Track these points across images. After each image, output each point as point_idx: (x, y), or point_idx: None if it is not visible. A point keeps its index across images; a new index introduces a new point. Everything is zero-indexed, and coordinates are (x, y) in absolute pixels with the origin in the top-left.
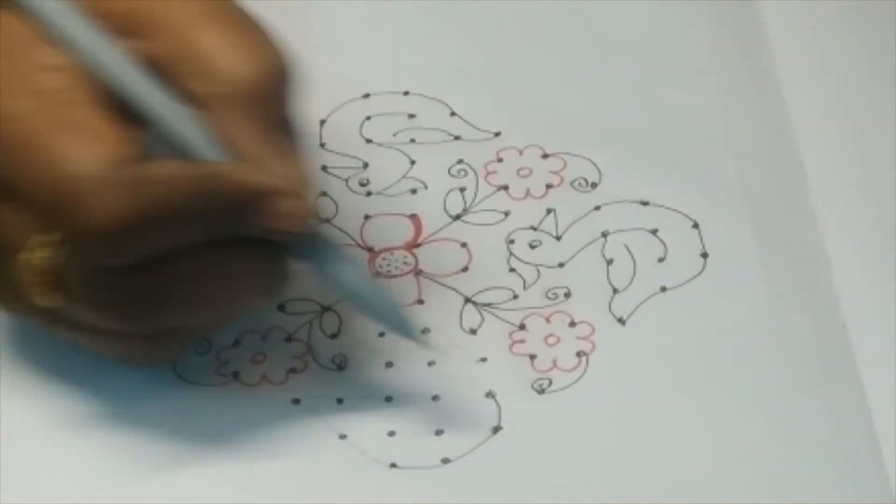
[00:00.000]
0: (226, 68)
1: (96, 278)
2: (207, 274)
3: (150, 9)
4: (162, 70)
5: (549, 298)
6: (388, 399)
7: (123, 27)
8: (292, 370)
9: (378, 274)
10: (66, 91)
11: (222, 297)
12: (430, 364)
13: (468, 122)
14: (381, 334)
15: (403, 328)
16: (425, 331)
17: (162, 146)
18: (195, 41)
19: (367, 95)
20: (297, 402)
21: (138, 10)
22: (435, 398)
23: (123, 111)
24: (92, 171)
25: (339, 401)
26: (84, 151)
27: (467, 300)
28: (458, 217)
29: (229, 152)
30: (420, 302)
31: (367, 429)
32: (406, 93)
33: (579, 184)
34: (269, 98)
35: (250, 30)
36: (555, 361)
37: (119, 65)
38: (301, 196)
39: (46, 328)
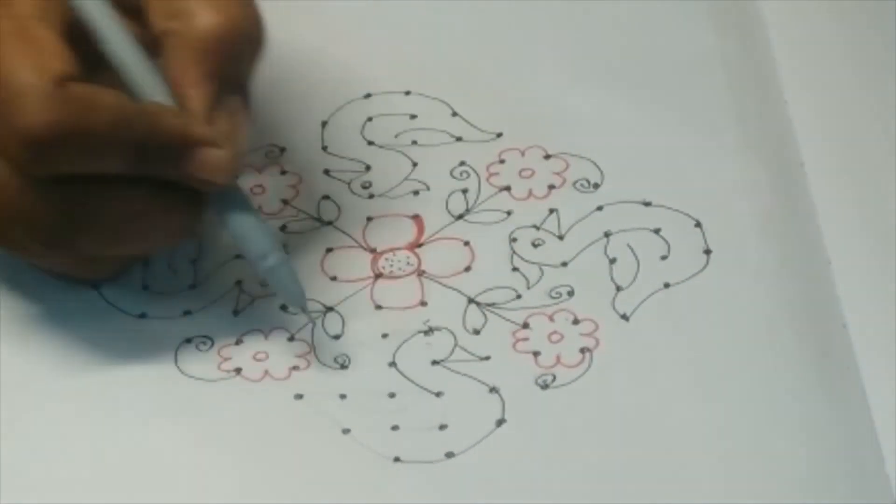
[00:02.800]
0: (194, 12)
1: (20, 190)
2: (122, 206)
3: None
4: (132, 6)
5: (552, 297)
6: (392, 395)
7: None
8: (295, 368)
9: (381, 275)
10: (35, 11)
11: (134, 232)
12: (433, 363)
13: (470, 123)
14: (385, 335)
15: (295, 300)
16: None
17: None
18: None
19: (368, 95)
20: (299, 396)
21: None
22: (438, 394)
23: (83, 48)
24: (34, 80)
25: (342, 396)
26: (33, 62)
27: (470, 300)
28: (460, 217)
29: (175, 96)
30: (423, 303)
31: (371, 423)
32: (407, 93)
33: (581, 184)
34: (226, 53)
35: None
36: (558, 358)
37: None
38: (228, 150)
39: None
